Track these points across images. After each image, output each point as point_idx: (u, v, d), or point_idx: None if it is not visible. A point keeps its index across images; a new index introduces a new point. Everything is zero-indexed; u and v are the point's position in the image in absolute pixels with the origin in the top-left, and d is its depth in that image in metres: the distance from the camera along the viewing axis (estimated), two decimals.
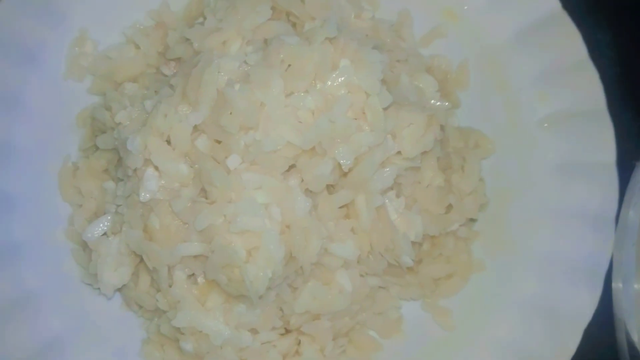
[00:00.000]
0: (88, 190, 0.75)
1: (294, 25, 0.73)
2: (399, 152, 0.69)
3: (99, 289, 0.72)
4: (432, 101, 0.75)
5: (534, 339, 0.71)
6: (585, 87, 0.74)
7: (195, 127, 0.67)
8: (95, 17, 0.78)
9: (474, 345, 0.73)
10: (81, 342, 0.72)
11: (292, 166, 0.67)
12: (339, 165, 0.66)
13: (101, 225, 0.73)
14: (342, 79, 0.66)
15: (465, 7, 0.79)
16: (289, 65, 0.66)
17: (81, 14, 0.77)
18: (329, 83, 0.66)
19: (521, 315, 0.72)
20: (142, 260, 0.70)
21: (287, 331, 0.71)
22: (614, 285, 0.70)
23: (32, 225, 0.74)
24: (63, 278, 0.74)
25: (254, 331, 0.70)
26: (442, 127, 0.71)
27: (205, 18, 0.75)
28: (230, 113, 0.64)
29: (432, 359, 0.74)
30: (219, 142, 0.67)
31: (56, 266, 0.74)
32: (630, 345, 0.67)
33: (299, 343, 0.72)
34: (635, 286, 0.67)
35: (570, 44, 0.75)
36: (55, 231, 0.75)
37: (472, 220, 0.76)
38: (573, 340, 0.70)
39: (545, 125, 0.76)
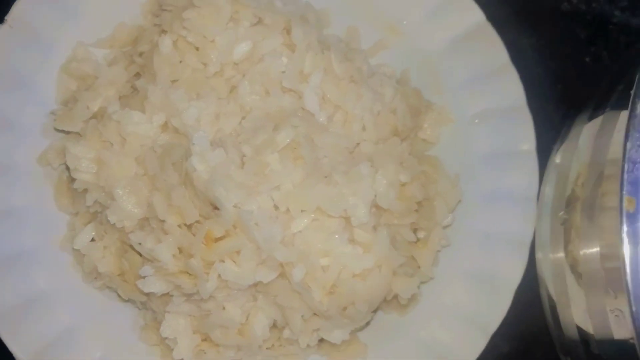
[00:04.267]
0: (80, 201, 0.80)
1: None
2: None
3: (97, 288, 0.80)
4: None
5: (476, 300, 0.80)
6: (507, 87, 0.82)
7: None
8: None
9: (427, 310, 0.81)
10: (88, 332, 0.79)
11: None
12: None
13: (87, 234, 0.80)
14: None
15: (404, 22, 0.86)
16: None
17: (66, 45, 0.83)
18: None
19: (464, 282, 0.81)
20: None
21: None
22: (536, 251, 0.79)
23: (39, 233, 0.80)
24: (69, 278, 0.81)
25: None
26: None
27: None
28: None
29: (396, 321, 0.82)
30: None
31: (63, 268, 0.81)
32: (550, 297, 0.77)
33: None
34: (551, 251, 0.76)
35: (493, 50, 0.83)
36: (59, 237, 0.82)
37: None
38: (507, 299, 0.79)
39: (476, 121, 0.84)
